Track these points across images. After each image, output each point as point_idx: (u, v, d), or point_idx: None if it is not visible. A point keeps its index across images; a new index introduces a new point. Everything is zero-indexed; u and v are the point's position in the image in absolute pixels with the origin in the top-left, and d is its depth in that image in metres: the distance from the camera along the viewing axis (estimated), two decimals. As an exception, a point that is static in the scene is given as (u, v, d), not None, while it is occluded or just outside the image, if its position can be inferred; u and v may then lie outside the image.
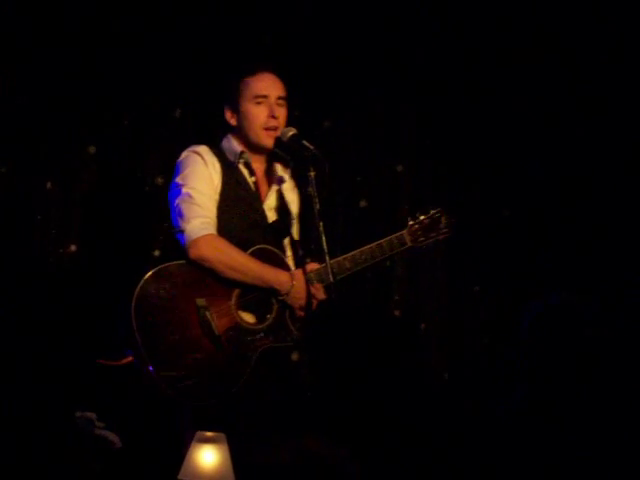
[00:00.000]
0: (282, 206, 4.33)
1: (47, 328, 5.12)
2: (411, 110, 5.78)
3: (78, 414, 4.24)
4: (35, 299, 5.13)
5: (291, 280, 4.09)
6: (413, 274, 5.73)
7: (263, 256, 4.14)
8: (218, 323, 4.03)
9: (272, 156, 4.34)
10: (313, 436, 4.17)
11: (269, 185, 4.35)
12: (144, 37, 5.41)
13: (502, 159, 5.80)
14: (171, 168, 5.19)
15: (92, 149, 5.38)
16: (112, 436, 4.30)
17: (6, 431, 3.84)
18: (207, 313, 4.02)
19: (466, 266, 5.81)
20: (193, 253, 4.06)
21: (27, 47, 5.25)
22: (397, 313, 5.72)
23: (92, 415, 4.29)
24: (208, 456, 3.46)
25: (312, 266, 4.18)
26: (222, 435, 3.50)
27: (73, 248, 5.32)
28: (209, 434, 3.49)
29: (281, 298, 4.11)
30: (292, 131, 4.17)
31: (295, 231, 4.40)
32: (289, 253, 4.33)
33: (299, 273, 4.14)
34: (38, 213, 5.29)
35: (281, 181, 4.36)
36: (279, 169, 4.38)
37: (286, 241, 4.31)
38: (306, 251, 4.32)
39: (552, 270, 5.63)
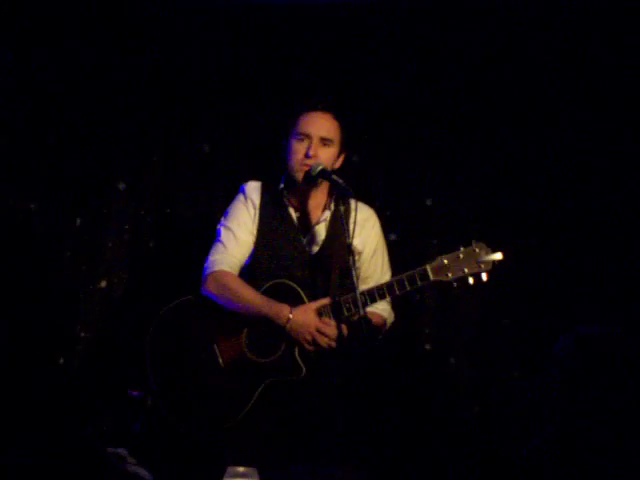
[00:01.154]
0: (330, 239, 4.31)
1: (77, 362, 5.14)
2: (441, 143, 5.76)
3: (110, 450, 4.24)
4: (66, 335, 5.15)
5: (289, 313, 4.08)
6: (443, 307, 5.70)
7: (277, 291, 4.17)
8: (224, 356, 4.14)
9: (330, 189, 4.35)
10: (339, 466, 4.16)
11: (316, 220, 4.35)
12: (174, 73, 5.45)
13: (531, 191, 5.77)
14: (200, 203, 5.27)
15: (122, 185, 5.41)
16: (143, 472, 4.29)
17: (39, 469, 3.83)
18: (214, 346, 4.15)
19: (496, 299, 5.77)
20: (202, 289, 4.23)
21: (59, 85, 5.30)
22: (427, 347, 5.69)
23: (123, 451, 4.28)
24: (240, 491, 3.46)
25: (323, 301, 4.14)
26: (253, 469, 3.49)
27: (103, 284, 5.34)
28: (241, 469, 3.48)
29: (284, 332, 4.10)
30: (321, 166, 4.16)
31: (361, 263, 4.38)
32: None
33: (306, 307, 4.12)
34: (68, 249, 5.32)
35: (328, 214, 4.35)
36: (329, 203, 4.37)
37: (333, 274, 4.24)
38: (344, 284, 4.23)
39: (583, 303, 5.59)
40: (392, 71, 5.68)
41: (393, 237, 5.54)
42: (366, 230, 4.39)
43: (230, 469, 3.49)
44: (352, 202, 4.17)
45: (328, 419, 4.24)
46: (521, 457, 4.02)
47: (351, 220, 4.11)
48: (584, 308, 5.56)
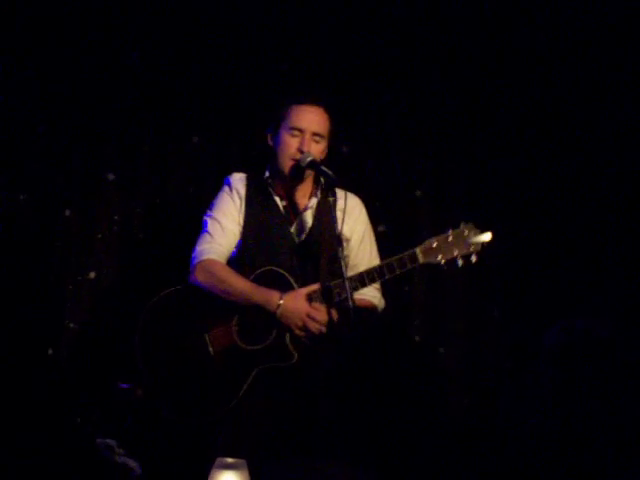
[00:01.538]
0: (317, 227, 4.33)
1: (65, 353, 5.14)
2: (430, 134, 5.77)
3: (98, 441, 4.24)
4: (54, 326, 5.14)
5: (279, 299, 4.09)
6: (432, 299, 5.71)
7: (266, 278, 4.18)
8: (215, 344, 4.15)
9: (314, 177, 4.38)
10: (332, 459, 4.16)
11: (303, 207, 4.37)
12: (163, 64, 5.44)
13: (521, 182, 5.77)
14: (190, 194, 5.27)
15: (111, 176, 5.40)
16: (132, 463, 4.30)
17: (27, 458, 3.83)
18: (205, 335, 4.15)
19: (485, 290, 5.78)
20: (190, 278, 4.25)
21: (48, 74, 5.29)
22: (417, 338, 5.70)
23: (112, 442, 4.29)
24: (228, 482, 3.44)
25: (313, 287, 4.15)
26: (242, 461, 3.48)
27: (92, 275, 5.34)
28: (229, 460, 3.46)
29: (275, 318, 4.11)
30: (310, 157, 4.18)
31: (350, 250, 4.40)
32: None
33: (296, 293, 4.13)
34: (57, 240, 5.31)
35: (314, 202, 4.37)
36: (316, 191, 4.40)
37: (322, 261, 4.24)
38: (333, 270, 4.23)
39: (573, 294, 5.59)
40: (380, 61, 5.68)
41: (382, 228, 5.54)
42: (353, 218, 4.40)
43: (219, 460, 3.48)
44: (338, 191, 4.19)
45: (317, 409, 4.25)
46: (511, 448, 4.03)
47: (338, 208, 4.14)
48: (574, 298, 5.57)
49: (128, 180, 5.43)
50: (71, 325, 5.26)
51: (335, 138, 4.44)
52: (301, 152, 4.21)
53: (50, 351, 5.18)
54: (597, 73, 5.65)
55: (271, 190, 4.35)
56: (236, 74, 5.51)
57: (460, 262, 4.19)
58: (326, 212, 4.25)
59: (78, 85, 5.34)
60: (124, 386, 4.57)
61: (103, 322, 5.24)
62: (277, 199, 4.35)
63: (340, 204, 4.24)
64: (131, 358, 4.17)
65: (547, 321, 4.30)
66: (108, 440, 4.29)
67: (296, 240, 4.31)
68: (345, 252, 4.28)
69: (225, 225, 4.27)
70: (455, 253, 4.16)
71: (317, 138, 4.26)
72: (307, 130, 4.24)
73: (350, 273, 4.21)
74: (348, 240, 4.37)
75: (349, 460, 4.23)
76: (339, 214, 4.23)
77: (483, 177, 5.78)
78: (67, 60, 5.32)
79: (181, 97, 5.48)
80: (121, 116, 5.42)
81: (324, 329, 4.10)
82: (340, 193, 4.24)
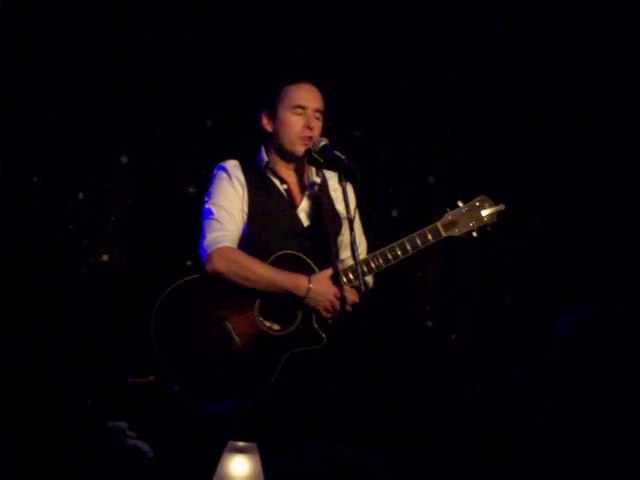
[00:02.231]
0: (320, 209, 4.32)
1: (78, 338, 5.14)
2: (443, 121, 5.76)
3: (110, 424, 4.24)
4: (67, 309, 5.15)
5: (308, 283, 4.08)
6: (444, 285, 5.71)
7: (285, 262, 4.14)
8: (240, 332, 4.08)
9: (308, 161, 4.34)
10: (343, 444, 4.16)
11: (303, 190, 4.36)
12: (176, 47, 5.44)
13: (533, 169, 5.77)
14: (202, 178, 5.26)
15: (124, 159, 5.40)
16: (144, 446, 4.30)
17: (38, 441, 3.84)
18: (227, 323, 4.08)
19: (497, 276, 5.78)
20: (208, 267, 4.14)
21: (60, 59, 5.29)
22: (429, 323, 5.70)
23: (124, 425, 4.29)
24: (239, 466, 3.45)
25: (341, 266, 4.15)
26: (253, 445, 3.49)
27: (105, 258, 5.35)
28: (240, 444, 3.47)
29: (302, 302, 4.10)
30: (324, 141, 4.18)
31: (345, 229, 4.33)
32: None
33: (322, 275, 4.12)
34: (70, 223, 5.32)
35: (315, 185, 4.35)
36: (313, 173, 4.39)
37: (331, 242, 4.22)
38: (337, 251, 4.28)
39: (585, 280, 5.59)
40: (395, 45, 5.68)
41: (395, 213, 5.54)
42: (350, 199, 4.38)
43: (230, 444, 3.48)
44: (328, 172, 4.30)
45: (330, 393, 4.25)
46: (521, 434, 4.02)
47: (332, 188, 4.32)
48: (586, 284, 5.57)
49: (141, 163, 5.44)
50: (84, 308, 5.26)
51: (349, 122, 4.44)
52: (308, 128, 4.21)
53: (64, 335, 5.19)
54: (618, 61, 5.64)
55: (270, 174, 4.32)
56: (250, 58, 5.50)
57: (475, 234, 4.27)
58: (328, 193, 4.34)
59: (91, 68, 5.33)
60: (134, 380, 4.54)
61: (116, 305, 5.24)
62: (277, 183, 4.32)
63: (333, 184, 4.33)
64: (146, 347, 4.11)
65: (559, 307, 4.31)
66: (119, 423, 4.29)
67: (304, 223, 4.29)
68: (342, 230, 4.35)
69: (232, 212, 4.22)
70: (471, 225, 4.25)
71: (318, 114, 4.28)
72: (310, 107, 4.25)
73: (345, 252, 4.29)
74: (344, 219, 4.35)
75: (359, 445, 4.24)
76: (333, 194, 4.33)
77: (496, 163, 5.77)
78: (81, 43, 5.31)
79: (195, 80, 5.47)
80: (134, 99, 5.42)
81: (350, 308, 4.11)
82: (330, 173, 4.33)
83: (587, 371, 3.80)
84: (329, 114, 4.36)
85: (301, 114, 4.23)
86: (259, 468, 3.47)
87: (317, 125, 4.26)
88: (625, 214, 5.66)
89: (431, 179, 5.73)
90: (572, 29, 5.69)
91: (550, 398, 3.92)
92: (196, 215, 4.42)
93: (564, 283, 5.65)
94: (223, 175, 4.31)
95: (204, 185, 5.08)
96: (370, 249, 4.46)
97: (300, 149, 4.23)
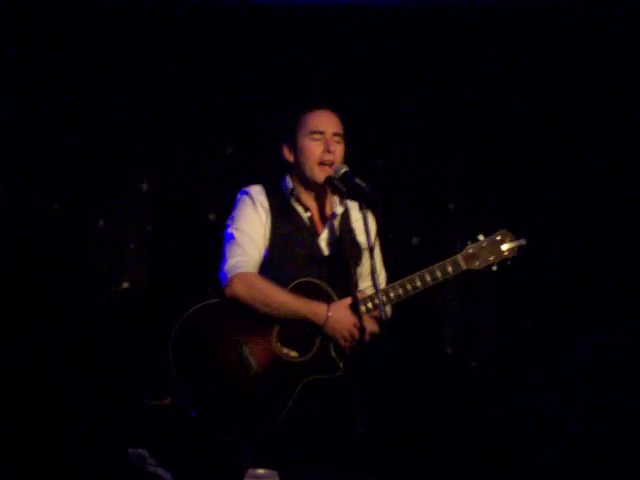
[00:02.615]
0: (341, 238, 4.31)
1: (97, 365, 5.15)
2: (462, 147, 5.76)
3: (130, 451, 4.24)
4: (86, 335, 5.16)
5: (327, 311, 4.07)
6: (465, 311, 5.70)
7: (304, 289, 4.14)
8: (257, 358, 4.06)
9: (331, 190, 4.33)
10: (365, 471, 4.15)
11: (326, 219, 4.36)
12: (196, 74, 5.46)
13: (553, 195, 5.75)
14: (222, 204, 5.27)
15: (144, 186, 5.42)
16: (164, 473, 4.29)
17: (60, 469, 3.85)
18: (245, 348, 4.06)
19: (517, 303, 5.76)
20: (228, 291, 4.14)
21: (82, 86, 5.32)
22: (448, 350, 5.68)
23: (144, 452, 4.28)
24: (260, 493, 3.45)
25: (360, 295, 4.14)
26: (274, 472, 3.49)
27: (125, 285, 5.36)
28: (261, 471, 3.48)
29: (321, 330, 4.09)
30: (344, 168, 4.17)
31: (365, 259, 4.36)
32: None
33: (341, 304, 4.11)
34: (91, 250, 5.33)
35: (337, 214, 4.34)
36: (337, 202, 4.38)
37: (351, 271, 4.22)
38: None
39: (606, 306, 5.56)
40: (413, 74, 5.70)
41: (415, 241, 5.54)
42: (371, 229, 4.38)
43: (250, 471, 3.48)
44: (350, 202, 4.33)
45: (353, 420, 4.23)
46: (543, 461, 4.01)
47: (354, 218, 4.35)
48: (607, 311, 5.54)
49: (161, 190, 5.45)
50: (104, 334, 5.27)
51: (371, 150, 4.44)
52: (330, 152, 4.20)
53: (83, 360, 5.19)
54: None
55: (294, 201, 4.32)
56: (269, 85, 5.53)
57: (495, 267, 4.28)
58: (349, 223, 4.35)
59: (112, 95, 5.37)
60: (150, 403, 4.54)
61: (136, 332, 5.25)
62: (300, 210, 4.32)
63: (355, 214, 4.34)
64: (164, 371, 4.12)
65: (580, 333, 4.29)
66: (140, 450, 4.29)
67: (324, 252, 4.29)
68: (362, 260, 4.37)
69: (254, 237, 4.22)
70: (491, 259, 4.26)
71: (337, 138, 4.26)
72: (327, 131, 4.25)
73: (362, 283, 4.33)
74: (364, 249, 4.35)
75: (381, 472, 4.22)
76: (355, 224, 4.33)
77: (515, 190, 5.76)
78: (101, 70, 5.35)
79: (215, 107, 5.49)
80: (155, 126, 5.44)
81: (369, 339, 4.10)
82: (352, 203, 4.34)
83: (607, 397, 3.79)
84: (349, 142, 4.35)
85: (320, 139, 4.23)
86: (280, 496, 3.47)
87: (338, 149, 4.24)
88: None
89: (451, 206, 5.73)
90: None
91: (571, 424, 3.91)
92: (216, 242, 4.42)
93: (586, 308, 5.63)
94: (247, 200, 4.30)
95: (224, 212, 5.09)
96: (390, 277, 4.46)
97: (320, 176, 4.23)
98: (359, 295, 4.14)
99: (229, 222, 4.31)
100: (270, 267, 4.24)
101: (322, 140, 4.23)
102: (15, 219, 5.23)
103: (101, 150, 5.38)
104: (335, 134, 4.25)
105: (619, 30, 5.64)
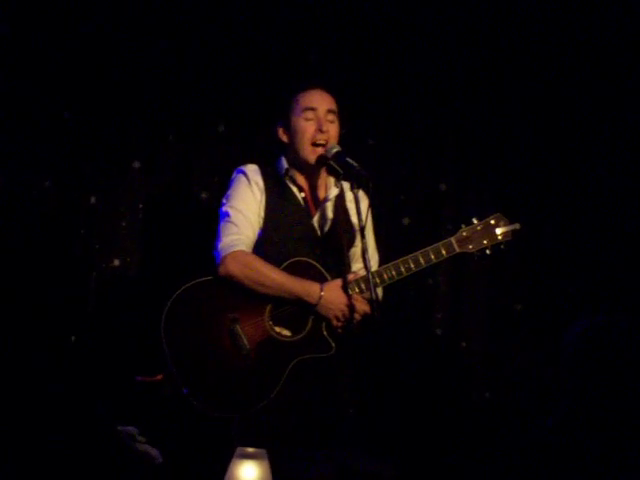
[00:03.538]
0: (335, 219, 4.32)
1: (87, 342, 5.15)
2: (454, 128, 5.76)
3: (119, 429, 4.24)
4: (77, 313, 5.16)
5: (320, 291, 4.08)
6: (455, 293, 5.71)
7: (297, 269, 4.15)
8: (249, 337, 4.08)
9: (327, 171, 4.34)
10: (354, 451, 4.16)
11: (320, 199, 4.36)
12: (189, 52, 5.45)
13: (545, 177, 5.76)
14: (215, 183, 5.26)
15: (136, 164, 5.41)
16: (153, 451, 4.29)
17: (48, 446, 3.84)
18: (237, 327, 4.08)
19: (508, 285, 5.77)
20: (221, 270, 4.14)
21: (74, 62, 5.30)
22: (438, 331, 5.70)
23: (133, 430, 4.28)
24: (248, 472, 3.44)
25: (353, 276, 4.16)
26: (263, 451, 3.49)
27: (116, 262, 5.35)
28: (250, 450, 3.47)
29: (313, 309, 4.10)
30: (336, 148, 4.17)
31: (358, 241, 4.33)
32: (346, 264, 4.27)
33: (334, 284, 4.12)
34: (82, 227, 5.32)
35: (332, 195, 4.35)
36: (332, 183, 4.38)
37: (344, 252, 4.25)
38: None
39: (595, 289, 5.58)
40: (407, 55, 5.69)
41: (407, 221, 5.54)
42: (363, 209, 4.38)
43: (239, 449, 3.48)
44: (344, 183, 4.30)
45: (341, 401, 4.25)
46: (531, 442, 4.02)
47: (348, 199, 4.32)
48: (596, 294, 5.56)
49: (153, 168, 5.44)
50: (94, 312, 5.27)
51: (362, 129, 4.43)
52: (322, 132, 4.20)
53: (73, 338, 5.19)
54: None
55: (289, 182, 4.32)
56: (262, 63, 5.51)
57: (488, 251, 4.28)
58: (344, 204, 4.35)
59: (105, 72, 5.34)
60: (141, 379, 4.54)
61: (127, 310, 5.25)
62: (295, 191, 4.32)
63: (349, 195, 4.33)
64: (156, 349, 4.12)
65: (569, 316, 4.30)
66: (129, 428, 4.29)
67: (318, 233, 4.29)
68: (355, 242, 4.37)
69: (249, 216, 4.21)
70: (485, 242, 4.26)
71: (331, 116, 4.25)
72: (320, 108, 4.25)
73: (357, 264, 4.35)
74: (358, 230, 4.36)
75: (370, 452, 4.24)
76: (349, 205, 4.34)
77: (507, 171, 5.77)
78: (94, 46, 5.32)
79: (207, 86, 5.48)
80: (147, 104, 5.42)
81: (361, 319, 4.12)
82: (346, 184, 4.32)
83: (596, 382, 3.79)
84: (342, 122, 4.35)
85: (312, 118, 4.23)
86: (268, 475, 3.47)
87: (331, 129, 4.24)
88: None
89: (442, 187, 5.73)
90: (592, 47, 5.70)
91: (559, 406, 3.92)
92: (208, 220, 4.42)
93: (576, 292, 5.65)
94: (242, 179, 4.30)
95: (216, 191, 5.11)
96: (381, 257, 4.46)
97: (312, 156, 4.23)
98: (352, 276, 4.15)
99: (224, 200, 4.30)
100: (264, 247, 4.24)
101: (315, 120, 4.22)
102: (6, 195, 5.21)
103: (93, 127, 5.36)
104: (329, 111, 4.25)
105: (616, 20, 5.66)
